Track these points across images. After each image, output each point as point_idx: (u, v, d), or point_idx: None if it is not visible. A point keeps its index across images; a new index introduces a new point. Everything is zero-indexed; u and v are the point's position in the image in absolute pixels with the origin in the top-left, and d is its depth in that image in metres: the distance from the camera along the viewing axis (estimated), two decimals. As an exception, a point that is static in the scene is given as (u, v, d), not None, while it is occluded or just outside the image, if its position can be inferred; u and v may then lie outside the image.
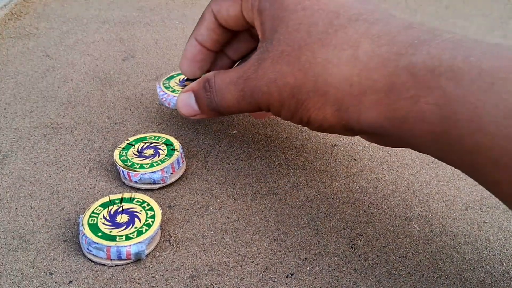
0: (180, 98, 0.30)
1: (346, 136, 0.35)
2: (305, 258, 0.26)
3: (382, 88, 0.21)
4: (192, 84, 0.30)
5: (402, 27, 0.22)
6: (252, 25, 0.28)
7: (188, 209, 0.29)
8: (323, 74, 0.23)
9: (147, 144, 0.31)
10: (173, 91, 0.33)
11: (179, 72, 0.36)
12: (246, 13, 0.28)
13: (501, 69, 0.19)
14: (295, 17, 0.24)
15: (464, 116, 0.19)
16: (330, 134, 0.35)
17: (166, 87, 0.34)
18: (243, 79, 0.26)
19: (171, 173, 0.30)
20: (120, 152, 0.30)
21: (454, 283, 0.25)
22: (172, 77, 0.36)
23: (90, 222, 0.26)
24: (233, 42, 0.32)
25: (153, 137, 0.32)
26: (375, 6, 0.24)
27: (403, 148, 0.34)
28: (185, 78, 0.35)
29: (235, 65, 0.33)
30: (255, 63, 0.25)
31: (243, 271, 0.25)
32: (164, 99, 0.33)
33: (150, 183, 0.29)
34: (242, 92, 0.26)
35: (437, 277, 0.25)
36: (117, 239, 0.25)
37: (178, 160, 0.30)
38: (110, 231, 0.25)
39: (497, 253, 0.26)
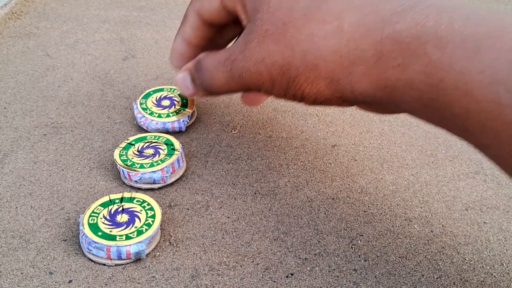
0: (178, 77, 0.30)
1: (346, 136, 0.35)
2: (305, 258, 0.26)
3: (370, 58, 0.22)
4: (188, 64, 0.30)
5: None
6: (234, 14, 0.28)
7: (188, 209, 0.28)
8: (310, 49, 0.23)
9: (147, 144, 0.31)
10: (151, 113, 0.34)
11: (156, 88, 0.36)
12: (227, 1, 0.28)
13: (484, 35, 0.19)
14: None
15: (451, 83, 0.19)
16: (330, 134, 0.35)
17: (143, 108, 0.34)
18: (231, 60, 0.26)
19: (171, 173, 0.30)
20: (120, 151, 0.30)
21: (454, 284, 0.25)
22: (148, 95, 0.36)
23: (90, 221, 0.26)
24: (222, 29, 0.32)
25: (153, 137, 0.32)
26: None
27: (403, 148, 0.34)
28: (162, 96, 0.36)
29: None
30: (241, 45, 0.26)
31: (243, 271, 0.25)
32: (142, 122, 0.33)
33: (150, 183, 0.29)
34: (230, 73, 0.27)
35: (437, 278, 0.25)
36: (117, 239, 0.25)
37: (178, 160, 0.30)
38: (110, 231, 0.25)
39: (497, 254, 0.26)
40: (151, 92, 0.36)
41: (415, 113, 0.22)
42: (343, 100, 0.24)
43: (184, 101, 0.35)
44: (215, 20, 0.30)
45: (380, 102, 0.23)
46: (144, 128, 0.34)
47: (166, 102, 0.35)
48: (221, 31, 0.32)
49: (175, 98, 0.35)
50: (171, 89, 0.37)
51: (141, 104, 0.35)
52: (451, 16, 0.20)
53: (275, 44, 0.24)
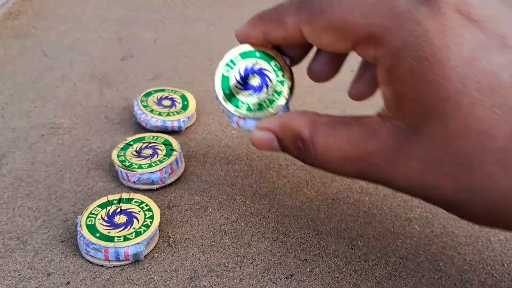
0: (258, 137, 0.23)
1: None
2: (304, 259, 0.25)
3: None
4: (273, 124, 0.23)
5: None
6: (368, 60, 0.21)
7: (187, 210, 0.28)
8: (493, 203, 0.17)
9: (145, 144, 0.31)
10: (151, 111, 0.34)
11: (157, 88, 0.36)
12: (364, 54, 0.21)
13: None
14: (459, 115, 0.17)
15: None
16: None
17: (144, 106, 0.34)
18: (367, 162, 0.19)
19: (170, 174, 0.30)
20: (118, 152, 0.30)
21: (455, 284, 0.24)
22: (150, 94, 0.36)
23: (88, 222, 0.25)
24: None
25: (151, 137, 0.32)
26: None
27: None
28: (162, 96, 0.34)
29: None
30: (388, 150, 0.19)
31: (242, 272, 0.25)
32: (141, 119, 0.33)
33: (149, 184, 0.29)
34: (359, 170, 0.20)
35: (437, 278, 0.25)
36: (115, 240, 0.24)
37: (176, 160, 0.30)
38: (108, 232, 0.25)
39: (498, 254, 0.26)
40: (153, 92, 0.36)
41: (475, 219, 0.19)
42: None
43: (185, 102, 0.35)
44: (326, 47, 0.22)
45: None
46: (143, 125, 0.34)
47: (167, 102, 0.35)
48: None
49: (176, 99, 0.35)
50: (172, 90, 0.36)
51: (142, 101, 0.35)
52: None
53: (448, 179, 0.18)
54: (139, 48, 0.46)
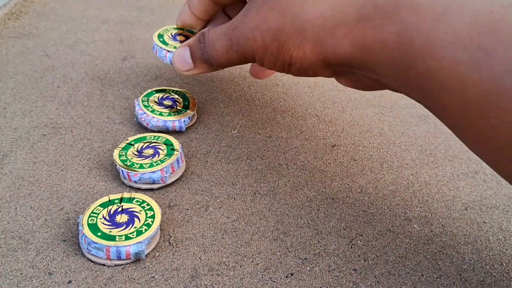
0: (176, 52, 0.32)
1: (345, 136, 0.35)
2: (304, 258, 0.26)
3: (352, 21, 0.24)
4: (189, 40, 0.32)
5: None
6: None
7: (187, 209, 0.28)
8: (300, 13, 0.25)
9: (146, 144, 0.31)
10: (152, 111, 0.34)
11: (158, 88, 0.37)
12: None
13: (452, 1, 0.21)
14: None
15: (418, 41, 0.21)
16: (330, 134, 0.35)
17: (145, 106, 0.34)
18: (231, 28, 0.28)
19: (171, 173, 0.30)
20: (119, 152, 0.30)
21: (454, 283, 0.25)
22: (151, 94, 0.36)
23: (89, 222, 0.26)
24: (234, 1, 0.34)
25: (152, 137, 0.32)
26: None
27: (403, 148, 0.34)
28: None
29: None
30: (242, 14, 0.28)
31: (243, 271, 0.25)
32: (142, 118, 0.33)
33: (150, 183, 0.29)
34: (230, 41, 0.29)
35: (437, 277, 0.25)
36: (116, 239, 0.25)
37: (177, 160, 0.30)
38: (110, 231, 0.25)
39: (497, 253, 0.26)
40: (154, 92, 0.36)
41: (385, 77, 0.24)
42: (326, 63, 0.26)
43: (186, 103, 0.35)
44: None
45: (357, 65, 0.25)
46: (144, 125, 0.34)
47: (168, 102, 0.35)
48: (234, 9, 0.34)
49: (177, 100, 0.36)
50: (173, 90, 0.37)
51: (143, 101, 0.35)
52: None
53: (271, 11, 0.26)
54: (140, 48, 0.46)
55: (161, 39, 0.36)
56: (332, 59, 0.26)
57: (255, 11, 0.27)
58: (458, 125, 0.22)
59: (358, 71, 0.26)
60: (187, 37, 0.37)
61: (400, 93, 0.25)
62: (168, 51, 0.35)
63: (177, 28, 0.38)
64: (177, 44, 0.36)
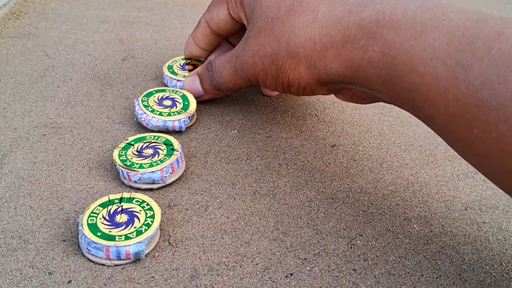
0: (186, 81, 0.36)
1: (345, 136, 0.35)
2: (304, 258, 0.26)
3: (339, 42, 0.25)
4: (197, 69, 0.36)
5: None
6: (240, 21, 0.34)
7: (187, 209, 0.28)
8: (292, 38, 0.27)
9: (146, 144, 0.31)
10: (152, 111, 0.34)
11: (158, 89, 0.37)
12: (233, 11, 0.34)
13: (430, 20, 0.22)
14: (259, 16, 0.29)
15: (401, 59, 0.22)
16: (329, 134, 0.35)
17: (145, 106, 0.34)
18: (235, 56, 0.31)
19: (171, 173, 0.30)
20: (119, 151, 0.30)
21: (453, 283, 0.25)
22: (151, 94, 0.36)
23: (89, 222, 0.26)
24: (235, 32, 0.37)
25: (152, 137, 0.32)
26: None
27: (403, 148, 0.34)
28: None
29: None
30: (243, 42, 0.30)
31: (243, 271, 0.25)
32: (142, 118, 0.33)
33: (150, 183, 0.29)
34: (235, 68, 0.31)
35: (436, 277, 0.25)
36: (116, 239, 0.25)
37: (177, 160, 0.30)
38: (110, 231, 0.25)
39: (497, 253, 0.26)
40: (153, 92, 0.36)
41: (377, 92, 0.25)
42: (321, 82, 0.28)
43: (186, 103, 0.35)
44: (223, 31, 0.36)
45: (350, 82, 0.26)
46: (144, 125, 0.34)
47: (168, 102, 0.35)
48: (235, 30, 0.36)
49: (177, 99, 0.36)
50: (173, 90, 0.37)
51: (143, 101, 0.35)
52: (406, 6, 0.23)
53: (266, 37, 0.29)
54: (140, 48, 0.46)
55: (171, 70, 0.39)
56: (326, 78, 0.27)
57: (253, 38, 0.29)
58: (446, 135, 0.23)
59: (352, 87, 0.27)
60: (195, 66, 0.39)
61: (394, 105, 0.26)
62: (178, 80, 0.38)
63: (185, 58, 0.40)
64: (186, 74, 0.39)
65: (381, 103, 0.39)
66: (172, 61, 0.40)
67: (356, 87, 0.27)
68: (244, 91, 0.40)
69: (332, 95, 0.40)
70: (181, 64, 0.40)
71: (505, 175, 0.21)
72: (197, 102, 0.36)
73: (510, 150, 0.20)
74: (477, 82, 0.20)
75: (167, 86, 0.39)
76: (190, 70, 0.39)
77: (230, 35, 0.37)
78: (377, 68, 0.24)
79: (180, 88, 0.37)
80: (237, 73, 0.31)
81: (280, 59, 0.28)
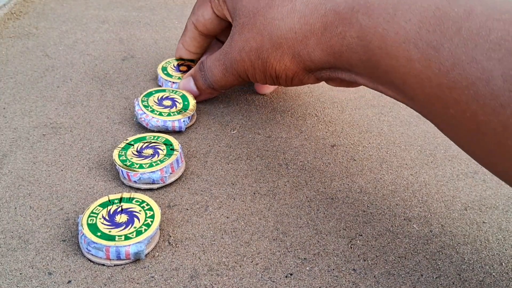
0: (181, 83, 0.36)
1: (345, 136, 0.35)
2: (304, 258, 0.26)
3: (318, 30, 0.26)
4: (191, 70, 0.36)
5: None
6: (225, 19, 0.34)
7: (187, 209, 0.28)
8: (274, 31, 0.27)
9: (146, 144, 0.31)
10: (152, 111, 0.34)
11: (158, 89, 0.37)
12: (217, 9, 0.34)
13: (402, 2, 0.22)
14: (242, 13, 0.30)
15: (376, 44, 0.23)
16: (329, 134, 0.35)
17: (144, 106, 0.34)
18: (223, 54, 0.31)
19: (171, 173, 0.30)
20: (119, 152, 0.30)
21: (453, 283, 0.25)
22: (150, 94, 0.36)
23: (89, 222, 0.26)
24: (223, 30, 0.37)
25: (152, 137, 0.32)
26: None
27: (402, 148, 0.34)
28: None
29: None
30: (229, 39, 0.31)
31: (242, 271, 0.25)
32: (142, 118, 0.33)
33: (149, 183, 0.29)
34: (224, 66, 0.31)
35: (436, 277, 0.25)
36: (116, 239, 0.25)
37: (177, 160, 0.30)
38: (109, 231, 0.25)
39: (496, 253, 0.26)
40: (153, 92, 0.36)
41: (363, 76, 0.26)
42: (308, 70, 0.28)
43: (186, 103, 0.35)
44: (210, 29, 0.36)
45: (335, 67, 0.26)
46: (144, 125, 0.34)
47: (167, 102, 0.35)
48: (224, 28, 0.36)
49: (177, 99, 0.36)
50: (173, 90, 0.37)
51: (142, 101, 0.35)
52: None
53: (250, 32, 0.29)
54: (140, 48, 0.46)
55: (165, 72, 0.39)
56: (312, 66, 0.27)
57: (238, 34, 0.30)
58: (427, 115, 0.23)
59: (337, 73, 0.27)
60: (188, 66, 0.40)
61: (377, 91, 0.26)
62: (173, 82, 0.38)
63: (179, 59, 0.40)
64: (180, 75, 0.39)
65: (381, 103, 0.39)
66: (166, 62, 0.40)
67: (342, 72, 0.27)
68: (244, 91, 0.40)
69: (332, 96, 0.40)
70: (175, 65, 0.40)
71: (485, 154, 0.21)
72: (197, 102, 0.36)
73: (484, 129, 0.20)
74: (448, 63, 0.20)
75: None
76: (184, 71, 0.39)
77: (219, 34, 0.37)
78: (356, 53, 0.24)
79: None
80: (227, 71, 0.32)
81: (265, 52, 0.28)
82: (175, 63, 0.40)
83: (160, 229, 0.27)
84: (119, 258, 0.25)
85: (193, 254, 0.26)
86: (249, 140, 0.34)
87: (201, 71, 0.34)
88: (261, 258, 0.26)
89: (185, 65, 0.40)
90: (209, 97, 0.37)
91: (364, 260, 0.26)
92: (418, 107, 0.23)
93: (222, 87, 0.34)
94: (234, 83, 0.33)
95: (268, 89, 0.39)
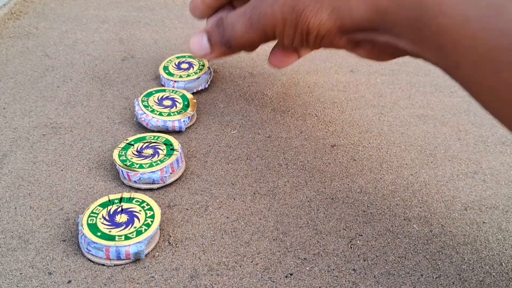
0: (193, 38, 0.33)
1: (345, 136, 0.35)
2: (304, 258, 0.26)
3: None
4: (206, 27, 0.33)
5: None
6: None
7: (187, 209, 0.29)
8: None
9: (146, 144, 0.31)
10: (152, 111, 0.34)
11: (158, 89, 0.37)
12: None
13: None
14: None
15: (431, 1, 0.22)
16: (329, 134, 0.35)
17: (145, 106, 0.34)
18: (251, 8, 0.29)
19: (171, 173, 0.30)
20: (119, 152, 0.30)
21: (453, 283, 0.25)
22: (150, 94, 0.36)
23: (89, 222, 0.26)
24: None
25: (152, 137, 0.32)
26: None
27: (402, 148, 0.34)
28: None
29: None
30: None
31: (242, 271, 0.25)
32: (142, 118, 0.33)
33: (150, 183, 0.29)
34: (250, 20, 0.29)
35: (436, 277, 0.25)
36: (116, 239, 0.25)
37: (177, 160, 0.30)
38: (109, 231, 0.25)
39: (496, 253, 0.26)
40: (153, 92, 0.36)
41: (403, 39, 0.25)
42: (342, 31, 0.27)
43: (186, 103, 0.35)
44: None
45: (374, 28, 0.25)
46: (144, 125, 0.34)
47: (167, 102, 0.35)
48: (240, 2, 0.34)
49: (177, 99, 0.36)
50: (173, 90, 0.37)
51: (142, 101, 0.35)
52: None
53: None
54: (140, 48, 0.46)
55: (167, 71, 0.39)
56: (349, 25, 0.26)
57: None
58: (472, 82, 0.23)
59: (375, 35, 0.26)
60: (189, 63, 0.39)
61: (417, 57, 0.25)
62: (175, 81, 0.38)
63: (179, 57, 0.40)
64: (182, 73, 0.38)
65: (380, 103, 0.39)
66: (167, 61, 0.40)
67: (379, 35, 0.26)
68: (244, 91, 0.40)
69: (332, 96, 0.40)
70: (176, 63, 0.40)
71: None
72: (197, 102, 0.36)
73: None
74: (509, 25, 0.20)
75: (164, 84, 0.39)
76: (185, 69, 0.39)
77: None
78: (405, 11, 0.23)
79: (178, 89, 0.37)
80: (252, 26, 0.30)
81: (302, 4, 0.27)
82: (176, 61, 0.40)
83: (160, 229, 0.27)
84: (119, 258, 0.25)
85: (193, 254, 0.26)
86: (249, 140, 0.34)
87: (219, 28, 0.32)
88: (261, 258, 0.26)
89: (186, 62, 0.40)
90: (219, 58, 0.34)
91: (364, 260, 0.26)
92: (462, 74, 0.23)
93: (240, 46, 0.31)
94: (255, 40, 0.31)
95: (283, 62, 0.37)
